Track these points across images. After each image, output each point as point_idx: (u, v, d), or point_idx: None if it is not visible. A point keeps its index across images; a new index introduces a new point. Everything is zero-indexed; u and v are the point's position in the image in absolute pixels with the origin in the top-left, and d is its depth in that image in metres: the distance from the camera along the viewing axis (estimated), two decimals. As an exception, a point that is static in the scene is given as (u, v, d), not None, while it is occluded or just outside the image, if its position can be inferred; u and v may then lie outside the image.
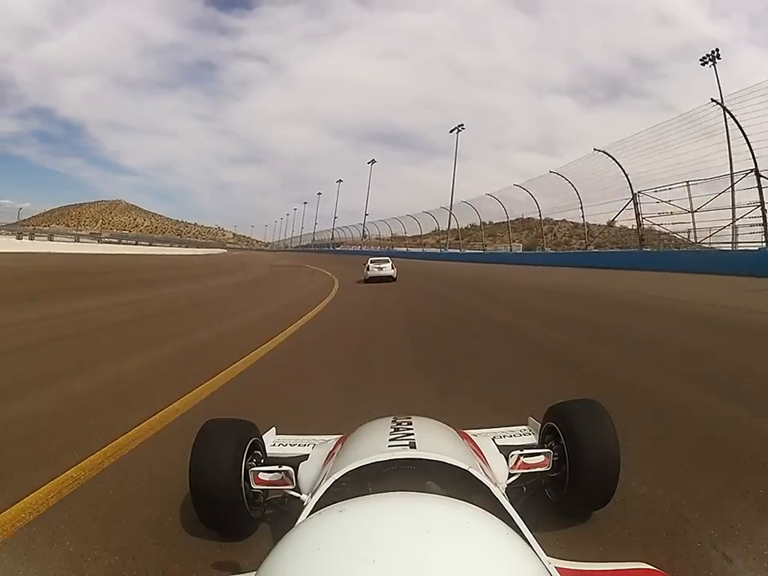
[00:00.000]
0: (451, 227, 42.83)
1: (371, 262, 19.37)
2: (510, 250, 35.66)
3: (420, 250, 51.66)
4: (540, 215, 29.68)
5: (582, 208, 24.87)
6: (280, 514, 1.67)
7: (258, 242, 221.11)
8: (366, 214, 62.03)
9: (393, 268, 18.87)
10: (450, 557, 0.56)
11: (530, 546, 0.69)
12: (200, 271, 22.80)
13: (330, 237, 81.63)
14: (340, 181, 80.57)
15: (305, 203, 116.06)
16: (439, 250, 45.64)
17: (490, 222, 36.26)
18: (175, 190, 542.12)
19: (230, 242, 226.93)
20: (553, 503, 1.68)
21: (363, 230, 63.52)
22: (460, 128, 44.66)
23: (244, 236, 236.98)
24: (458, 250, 43.14)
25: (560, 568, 0.85)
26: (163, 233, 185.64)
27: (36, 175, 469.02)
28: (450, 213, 41.94)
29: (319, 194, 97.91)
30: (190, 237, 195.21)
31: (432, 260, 38.50)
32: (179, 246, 63.75)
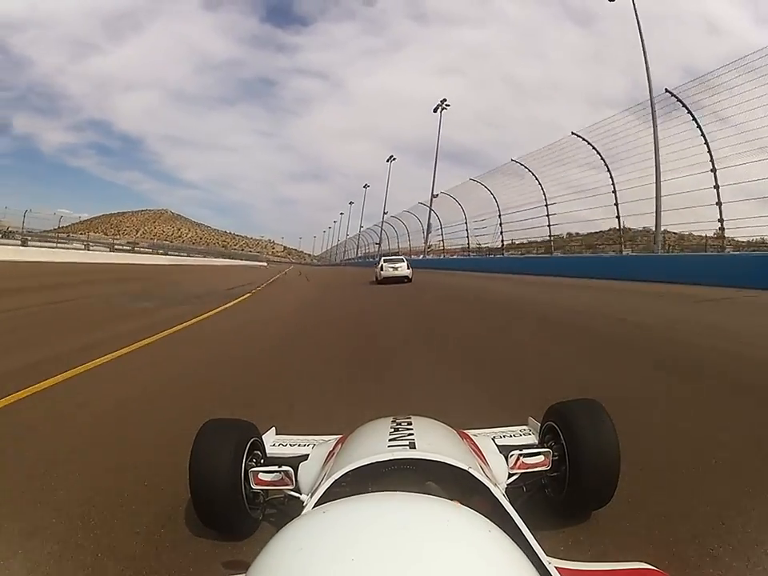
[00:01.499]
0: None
1: (385, 261, 18.93)
2: None
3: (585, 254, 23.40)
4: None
5: (618, 213, 17.97)
6: (280, 514, 1.67)
7: (308, 255, 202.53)
8: (433, 196, 35.80)
9: (408, 268, 18.29)
10: (428, 554, 0.57)
11: (523, 551, 0.67)
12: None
13: (377, 241, 57.48)
14: (392, 158, 57.02)
15: (350, 203, 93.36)
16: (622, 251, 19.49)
17: (577, 233, 26.61)
18: (234, 204, 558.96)
19: (278, 255, 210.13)
20: (553, 503, 1.66)
21: (428, 222, 36.70)
22: None
23: (295, 249, 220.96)
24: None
25: (560, 568, 0.86)
26: (207, 244, 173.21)
27: (95, 186, 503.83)
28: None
29: (366, 186, 75.34)
30: (235, 249, 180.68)
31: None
32: (203, 257, 58.75)
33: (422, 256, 40.95)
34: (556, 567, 0.84)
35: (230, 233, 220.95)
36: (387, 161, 56.99)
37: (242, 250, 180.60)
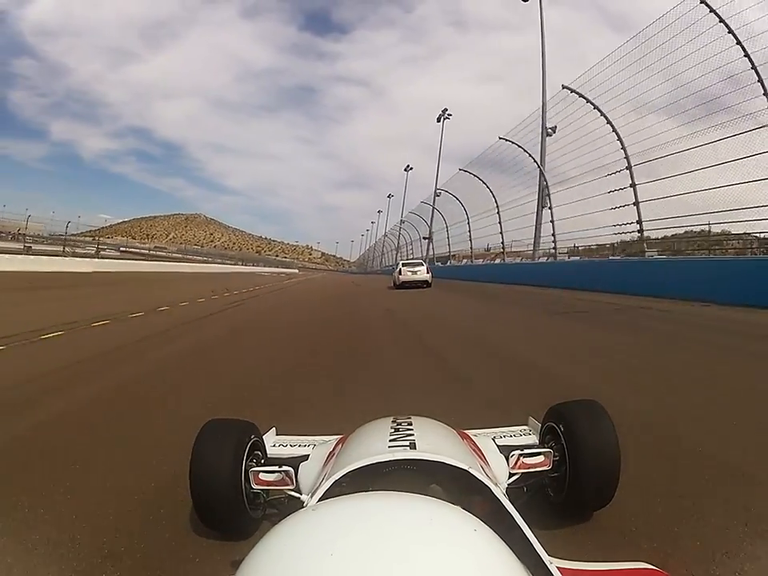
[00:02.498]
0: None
1: (404, 265, 18.71)
2: None
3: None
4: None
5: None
6: (280, 514, 1.66)
7: (347, 261, 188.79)
8: (546, 131, 17.27)
9: (428, 272, 17.88)
10: (411, 551, 0.57)
11: (524, 551, 0.67)
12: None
13: (427, 234, 40.91)
14: (446, 113, 40.60)
15: (389, 196, 76.83)
16: None
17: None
18: (277, 210, 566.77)
19: (315, 262, 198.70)
20: (553, 503, 1.65)
21: (542, 177, 17.45)
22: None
23: (333, 255, 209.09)
24: None
25: (561, 568, 0.86)
26: (240, 249, 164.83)
27: (137, 193, 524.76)
28: None
29: (408, 168, 59.16)
30: (269, 255, 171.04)
31: None
32: (234, 264, 55.52)
33: (526, 259, 23.44)
34: (557, 567, 0.84)
35: (266, 238, 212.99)
36: (438, 120, 41.02)
37: (277, 256, 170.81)
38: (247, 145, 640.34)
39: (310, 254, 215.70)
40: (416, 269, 18.24)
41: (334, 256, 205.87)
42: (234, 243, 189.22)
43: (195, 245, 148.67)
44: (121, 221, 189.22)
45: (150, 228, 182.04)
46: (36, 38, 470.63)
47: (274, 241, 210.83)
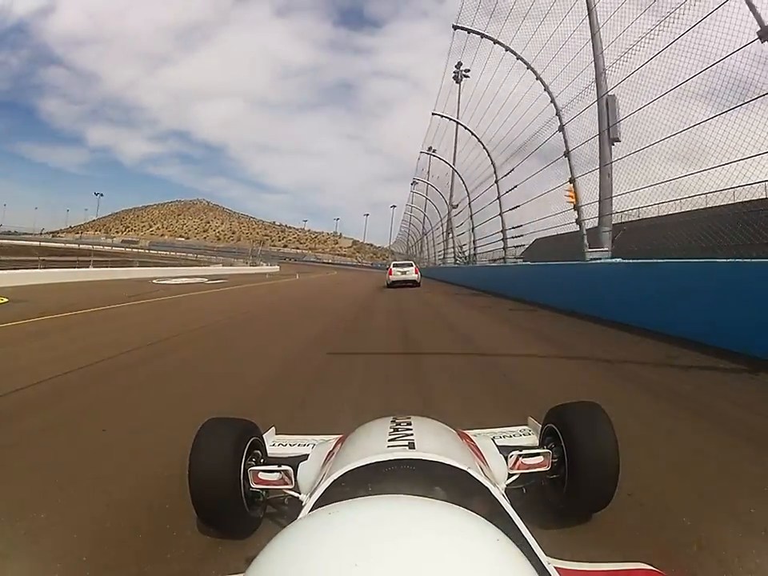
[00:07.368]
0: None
1: (394, 266, 19.62)
2: None
3: None
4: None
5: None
6: (280, 513, 1.68)
7: (392, 252, 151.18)
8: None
9: (416, 273, 18.78)
10: (435, 561, 0.55)
11: (523, 552, 0.67)
12: None
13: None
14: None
15: (431, 149, 41.48)
16: None
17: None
18: (322, 208, 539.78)
19: (341, 254, 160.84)
20: (552, 504, 1.65)
21: None
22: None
23: (371, 244, 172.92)
24: None
25: (559, 568, 0.85)
26: (239, 239, 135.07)
27: (181, 195, 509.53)
28: None
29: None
30: (276, 247, 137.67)
31: None
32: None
33: None
34: (555, 567, 0.84)
35: (278, 224, 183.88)
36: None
37: (285, 247, 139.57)
38: (290, 143, 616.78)
39: (336, 243, 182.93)
40: (405, 269, 19.33)
41: (371, 245, 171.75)
42: (235, 232, 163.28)
43: (181, 236, 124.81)
44: (108, 213, 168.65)
45: (135, 219, 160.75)
46: (64, 48, 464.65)
47: (289, 228, 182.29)
